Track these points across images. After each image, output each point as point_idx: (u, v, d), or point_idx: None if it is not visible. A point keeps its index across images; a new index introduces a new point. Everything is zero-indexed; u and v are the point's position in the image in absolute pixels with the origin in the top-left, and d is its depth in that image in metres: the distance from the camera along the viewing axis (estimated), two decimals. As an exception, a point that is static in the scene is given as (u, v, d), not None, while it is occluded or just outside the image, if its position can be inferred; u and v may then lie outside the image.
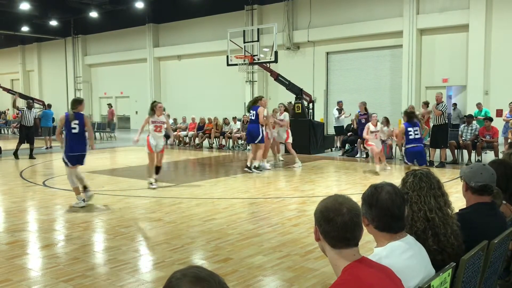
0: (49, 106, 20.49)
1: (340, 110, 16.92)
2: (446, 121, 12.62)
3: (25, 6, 24.30)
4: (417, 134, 9.68)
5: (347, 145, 15.12)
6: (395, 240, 2.18)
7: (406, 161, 9.79)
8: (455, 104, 18.58)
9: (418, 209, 2.50)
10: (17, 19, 28.31)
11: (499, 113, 15.77)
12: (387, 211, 2.15)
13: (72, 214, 7.46)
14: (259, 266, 4.91)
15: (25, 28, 30.46)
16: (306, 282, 4.44)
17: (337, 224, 1.88)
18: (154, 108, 9.74)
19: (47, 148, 18.16)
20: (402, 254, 2.13)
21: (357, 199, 2.12)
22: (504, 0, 17.18)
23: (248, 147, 14.49)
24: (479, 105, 15.04)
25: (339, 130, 16.57)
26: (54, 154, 16.58)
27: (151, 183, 9.52)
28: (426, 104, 13.84)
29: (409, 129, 9.65)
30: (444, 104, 12.62)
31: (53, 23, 29.44)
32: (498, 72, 17.34)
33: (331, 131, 19.80)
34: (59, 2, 26.03)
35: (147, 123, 9.79)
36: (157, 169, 9.76)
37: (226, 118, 18.49)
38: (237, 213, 7.29)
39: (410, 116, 9.93)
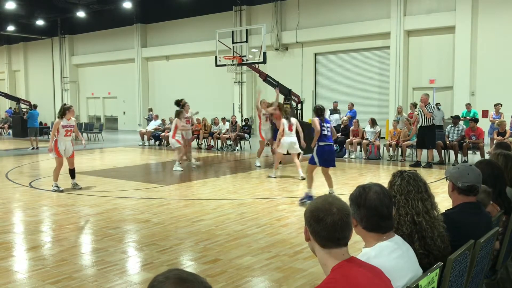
0: (35, 106, 20.28)
1: (333, 110, 16.86)
2: (433, 122, 12.73)
3: (11, 5, 23.97)
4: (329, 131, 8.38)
5: (334, 145, 15.13)
6: (383, 240, 2.19)
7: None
8: (438, 104, 18.62)
9: (405, 213, 2.48)
10: (2, 18, 27.96)
11: (484, 114, 15.95)
12: (375, 211, 2.16)
13: (59, 215, 7.39)
14: (248, 267, 4.91)
15: (11, 28, 30.08)
16: (294, 283, 4.44)
17: (327, 224, 1.88)
18: (65, 112, 9.13)
19: (33, 148, 17.97)
20: (391, 254, 2.14)
21: (346, 199, 2.13)
22: (490, 2, 17.39)
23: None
24: (468, 106, 15.16)
25: None
26: (40, 155, 16.40)
27: (56, 186, 9.30)
28: (414, 105, 13.94)
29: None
30: (431, 105, 12.72)
31: (40, 22, 29.13)
32: (484, 73, 17.54)
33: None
34: (46, 2, 25.76)
35: (57, 128, 9.15)
36: (72, 172, 9.47)
37: (216, 118, 18.39)
38: (225, 214, 7.27)
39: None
